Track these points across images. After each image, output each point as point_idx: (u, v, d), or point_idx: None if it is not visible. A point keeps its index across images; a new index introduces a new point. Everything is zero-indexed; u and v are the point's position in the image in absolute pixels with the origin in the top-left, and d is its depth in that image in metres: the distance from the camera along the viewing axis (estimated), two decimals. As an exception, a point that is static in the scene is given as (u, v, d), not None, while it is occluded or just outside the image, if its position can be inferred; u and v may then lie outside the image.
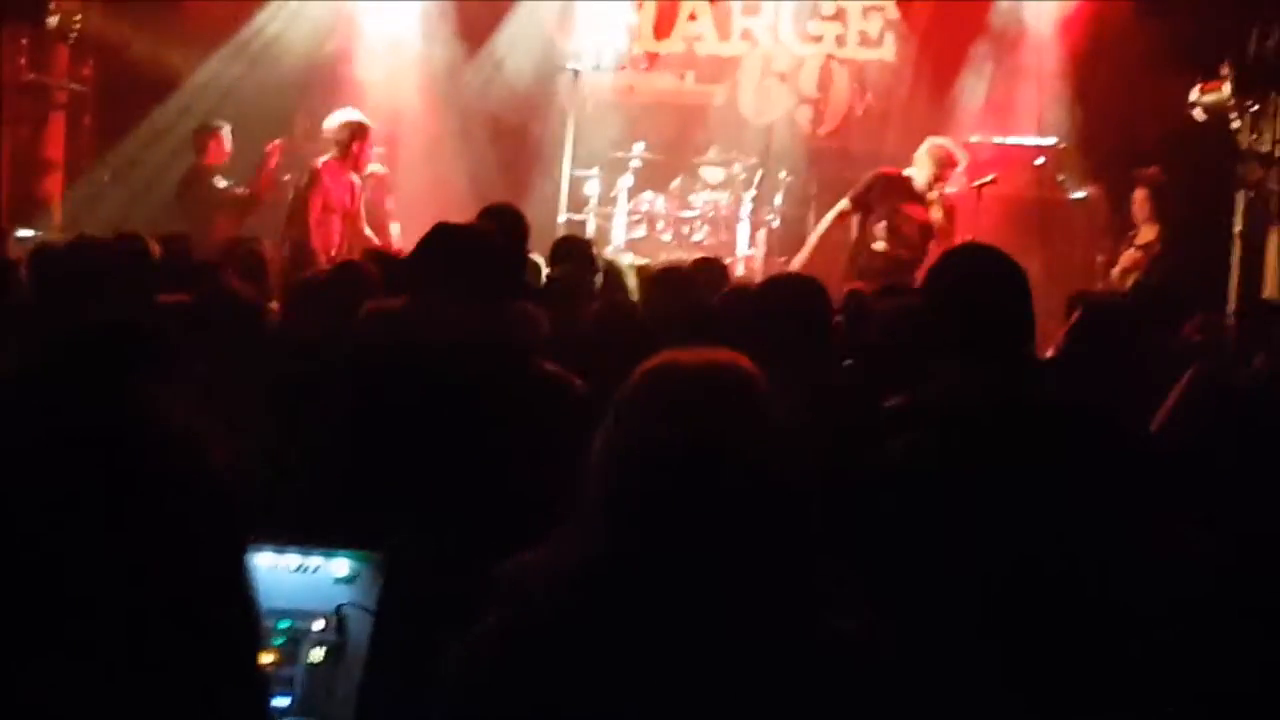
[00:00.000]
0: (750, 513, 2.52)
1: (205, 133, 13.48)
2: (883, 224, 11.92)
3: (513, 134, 14.74)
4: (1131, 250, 12.69)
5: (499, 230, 6.19)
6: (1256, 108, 12.49)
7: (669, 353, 2.69)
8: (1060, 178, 14.31)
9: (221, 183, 13.22)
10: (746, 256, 13.87)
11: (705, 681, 2.46)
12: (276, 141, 13.35)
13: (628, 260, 10.56)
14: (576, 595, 2.52)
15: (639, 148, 14.38)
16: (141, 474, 1.68)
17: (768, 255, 13.96)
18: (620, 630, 2.48)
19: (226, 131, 13.42)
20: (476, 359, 4.82)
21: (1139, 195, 12.81)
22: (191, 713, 1.68)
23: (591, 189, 14.16)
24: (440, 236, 5.24)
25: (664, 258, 11.70)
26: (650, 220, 14.15)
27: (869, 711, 2.54)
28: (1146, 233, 12.68)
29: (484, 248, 5.23)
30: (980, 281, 3.99)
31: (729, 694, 2.46)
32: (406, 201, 13.50)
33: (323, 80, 14.87)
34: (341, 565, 3.88)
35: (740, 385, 2.63)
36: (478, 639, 2.63)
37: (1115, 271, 12.65)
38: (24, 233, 12.22)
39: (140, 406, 1.73)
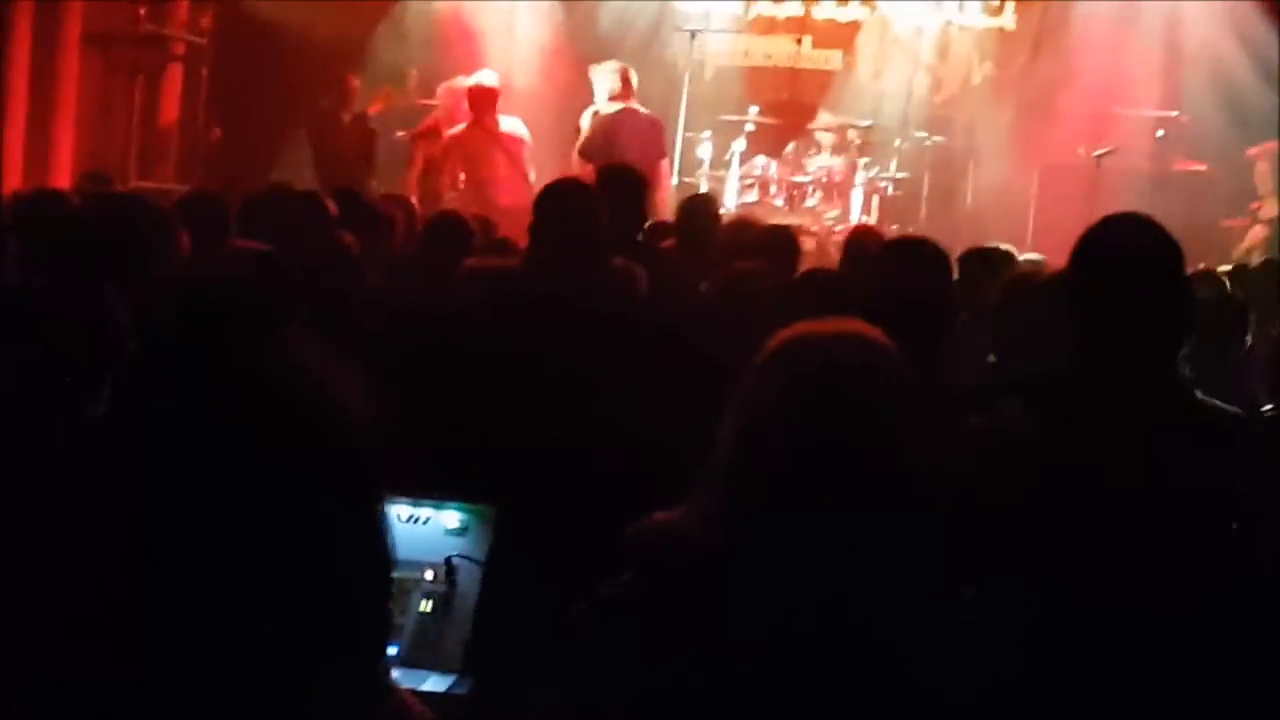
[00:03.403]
0: (880, 485, 2.48)
1: (339, 83, 13.83)
2: None
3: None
4: (1256, 226, 12.50)
5: (613, 190, 6.20)
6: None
7: (802, 324, 2.65)
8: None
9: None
10: (860, 223, 13.76)
11: (831, 653, 2.42)
12: (389, 90, 13.70)
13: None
14: (704, 565, 2.50)
15: (753, 111, 14.31)
16: (289, 422, 1.68)
17: (880, 222, 13.84)
18: (745, 599, 2.45)
19: (354, 82, 13.75)
20: (579, 318, 4.81)
21: (1262, 169, 12.60)
22: (320, 659, 1.69)
23: (704, 152, 14.11)
24: (546, 199, 5.28)
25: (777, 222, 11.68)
26: (763, 185, 14.08)
27: (995, 681, 2.51)
28: (1270, 207, 12.48)
29: (588, 210, 5.25)
30: (1135, 255, 3.86)
31: (854, 663, 2.43)
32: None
33: (437, 36, 14.92)
34: (452, 517, 3.88)
35: (873, 358, 2.59)
36: (607, 600, 2.61)
37: (1240, 248, 12.46)
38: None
39: (285, 356, 1.74)
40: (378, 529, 1.76)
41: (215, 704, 1.62)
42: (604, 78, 12.04)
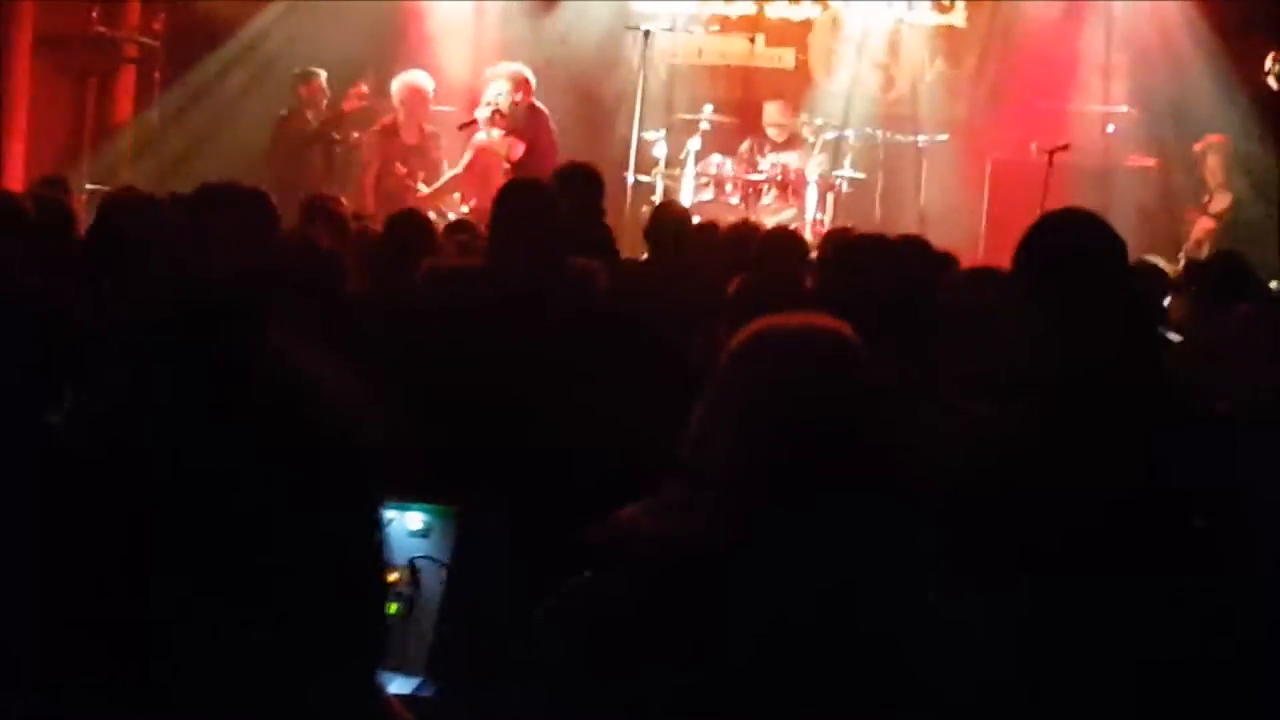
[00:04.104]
0: (852, 483, 2.50)
1: (302, 79, 13.86)
2: None
3: (581, 94, 14.70)
4: (1205, 219, 12.59)
5: (571, 190, 6.22)
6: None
7: (768, 319, 2.66)
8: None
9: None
10: (814, 220, 13.79)
11: (814, 653, 2.44)
12: (363, 87, 13.62)
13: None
14: (679, 564, 2.50)
15: (708, 110, 14.34)
16: (290, 421, 1.69)
17: (835, 219, 13.88)
18: (743, 596, 2.45)
19: (322, 78, 13.70)
20: (541, 318, 4.82)
21: (1212, 163, 12.69)
22: (318, 666, 1.69)
23: (659, 150, 14.11)
24: (504, 198, 5.29)
25: (731, 220, 11.73)
26: (719, 183, 14.10)
27: (973, 685, 2.52)
28: (1220, 200, 12.57)
29: (547, 208, 5.26)
30: (1078, 251, 3.91)
31: (833, 666, 2.44)
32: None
33: (392, 37, 14.90)
34: (416, 519, 3.89)
35: (841, 352, 2.61)
36: (576, 598, 2.61)
37: (1190, 242, 12.55)
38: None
39: (277, 359, 1.75)
40: (376, 529, 1.77)
41: (212, 704, 1.63)
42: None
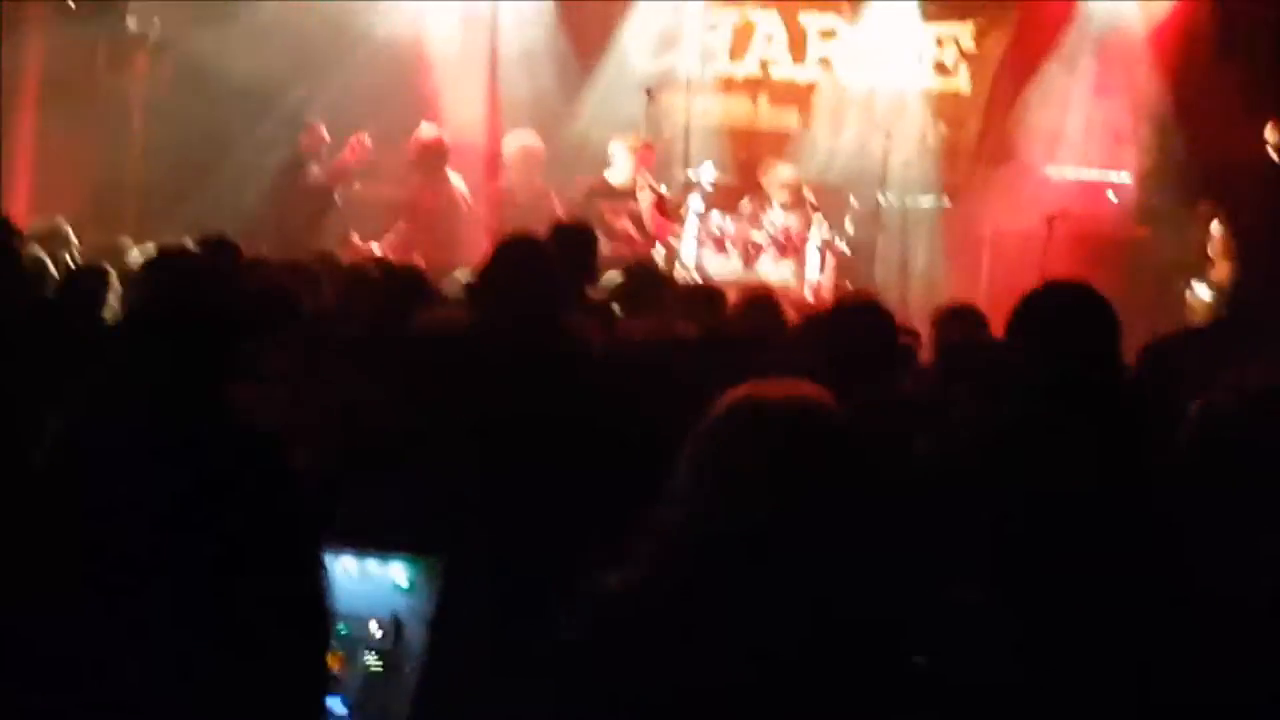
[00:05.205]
0: (838, 543, 2.52)
1: (302, 129, 13.99)
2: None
3: (585, 152, 14.75)
4: (1204, 288, 12.57)
5: (562, 246, 6.24)
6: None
7: (750, 387, 2.69)
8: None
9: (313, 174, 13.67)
10: (815, 282, 13.80)
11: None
12: (361, 135, 13.58)
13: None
14: (656, 629, 2.52)
15: (709, 168, 14.36)
16: (227, 478, 1.70)
17: (836, 281, 13.90)
18: (730, 649, 2.48)
19: (322, 128, 13.75)
20: (532, 373, 4.84)
21: (1214, 231, 12.68)
22: (258, 705, 1.70)
23: (661, 210, 14.14)
24: (499, 254, 5.30)
25: (732, 279, 11.80)
26: (719, 243, 14.12)
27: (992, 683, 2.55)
28: (1222, 269, 12.55)
29: (541, 264, 5.28)
30: (1064, 319, 3.93)
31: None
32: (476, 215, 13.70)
33: (400, 87, 14.93)
34: (398, 570, 3.88)
35: (822, 420, 2.63)
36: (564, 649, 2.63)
37: (1188, 311, 12.52)
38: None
39: (228, 411, 1.76)
40: (315, 579, 1.78)
41: None
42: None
